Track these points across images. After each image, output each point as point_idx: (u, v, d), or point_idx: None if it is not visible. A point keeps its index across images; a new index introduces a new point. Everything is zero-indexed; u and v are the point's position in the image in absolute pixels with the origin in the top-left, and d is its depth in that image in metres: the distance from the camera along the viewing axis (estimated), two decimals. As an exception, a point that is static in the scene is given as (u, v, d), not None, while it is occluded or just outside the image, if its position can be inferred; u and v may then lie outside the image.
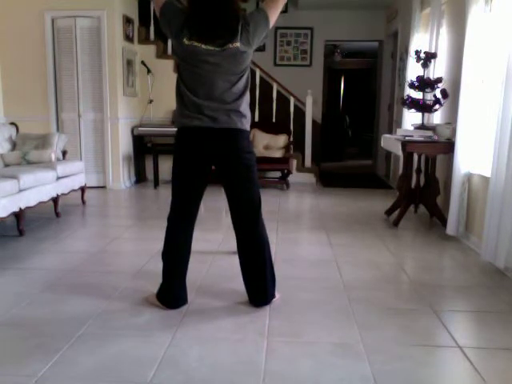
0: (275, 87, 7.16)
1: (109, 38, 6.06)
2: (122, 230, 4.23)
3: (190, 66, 2.40)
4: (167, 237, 2.58)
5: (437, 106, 4.59)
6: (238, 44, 2.33)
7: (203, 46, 2.32)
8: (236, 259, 2.67)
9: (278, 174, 6.88)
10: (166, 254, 2.58)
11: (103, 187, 6.33)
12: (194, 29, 2.32)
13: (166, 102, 6.76)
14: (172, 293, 2.58)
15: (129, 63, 6.53)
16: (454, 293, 2.88)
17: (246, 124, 2.48)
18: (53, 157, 4.81)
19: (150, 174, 6.83)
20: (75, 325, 2.33)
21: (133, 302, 2.65)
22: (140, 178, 6.88)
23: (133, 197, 6.11)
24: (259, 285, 2.60)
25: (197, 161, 2.47)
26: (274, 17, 2.43)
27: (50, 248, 3.66)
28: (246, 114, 2.47)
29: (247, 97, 2.49)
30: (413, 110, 4.83)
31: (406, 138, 4.45)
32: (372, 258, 3.50)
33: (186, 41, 2.33)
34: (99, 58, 6.11)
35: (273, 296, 2.64)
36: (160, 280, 2.61)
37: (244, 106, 2.46)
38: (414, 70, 5.22)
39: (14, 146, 5.08)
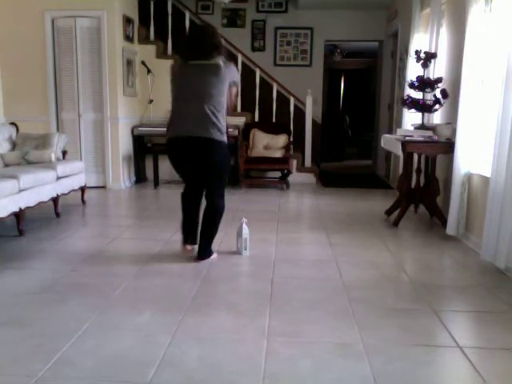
0: (275, 87, 7.16)
1: (109, 38, 6.06)
2: (121, 230, 4.23)
3: (180, 83, 3.24)
4: (182, 201, 3.45)
5: (437, 106, 4.59)
6: (217, 60, 3.12)
7: (189, 62, 3.19)
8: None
9: (278, 174, 6.87)
10: (182, 209, 3.44)
11: (103, 187, 6.32)
12: (182, 53, 3.31)
13: (165, 101, 6.66)
14: (184, 233, 3.43)
15: (129, 63, 6.52)
16: (454, 293, 2.88)
17: (221, 136, 3.16)
18: (53, 157, 4.80)
19: (149, 174, 6.83)
20: (75, 325, 2.33)
21: (133, 301, 2.65)
22: (140, 177, 6.87)
23: (133, 197, 6.11)
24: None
25: (183, 163, 3.30)
26: (233, 89, 3.33)
27: (49, 248, 3.66)
28: (221, 129, 3.15)
29: (223, 118, 3.19)
30: (413, 110, 4.83)
31: (406, 138, 4.45)
32: (372, 258, 3.50)
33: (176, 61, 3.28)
34: (99, 58, 6.11)
35: (209, 255, 3.35)
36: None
37: (220, 122, 3.14)
38: (413, 70, 5.22)
39: (13, 146, 5.08)
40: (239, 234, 3.51)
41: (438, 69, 4.86)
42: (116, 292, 2.78)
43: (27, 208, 4.08)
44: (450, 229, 4.02)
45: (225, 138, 3.22)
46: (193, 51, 3.20)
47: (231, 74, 3.22)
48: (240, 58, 7.12)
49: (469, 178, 3.96)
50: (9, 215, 3.81)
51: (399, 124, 6.21)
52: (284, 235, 4.10)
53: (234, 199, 5.63)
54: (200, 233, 3.37)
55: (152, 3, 6.81)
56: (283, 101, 7.25)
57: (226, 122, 3.26)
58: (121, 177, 6.39)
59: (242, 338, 2.25)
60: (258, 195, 6.12)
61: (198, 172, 3.29)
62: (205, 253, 3.35)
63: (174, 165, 3.35)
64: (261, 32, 8.23)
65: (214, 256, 3.40)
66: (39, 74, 6.15)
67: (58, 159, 4.98)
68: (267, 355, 2.08)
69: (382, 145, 5.36)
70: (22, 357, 2.05)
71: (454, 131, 4.12)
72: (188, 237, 3.44)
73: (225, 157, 3.28)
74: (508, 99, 3.10)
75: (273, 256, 3.51)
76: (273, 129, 7.00)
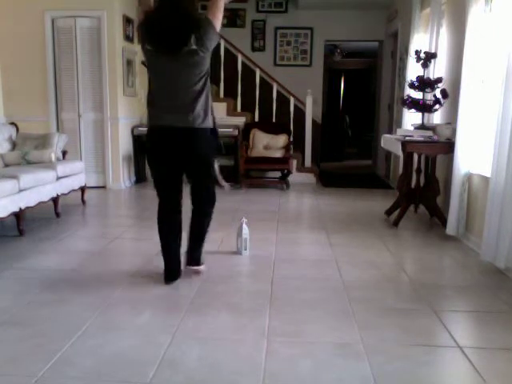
0: (275, 87, 7.16)
1: (109, 38, 6.06)
2: (121, 230, 4.23)
3: (155, 70, 2.82)
4: (158, 222, 2.95)
5: (437, 106, 4.59)
6: (194, 46, 2.68)
7: (162, 52, 2.70)
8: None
9: (278, 174, 6.87)
10: (160, 235, 2.93)
11: (103, 187, 6.32)
12: (152, 38, 2.72)
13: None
14: (166, 268, 2.92)
15: (129, 63, 6.52)
16: (454, 293, 2.88)
17: (203, 123, 2.80)
18: (53, 157, 4.80)
19: (150, 174, 6.82)
20: (75, 325, 2.33)
21: (133, 302, 2.65)
22: (140, 177, 6.87)
23: (133, 197, 6.11)
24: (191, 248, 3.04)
25: (163, 156, 2.84)
26: (217, 21, 2.80)
27: (49, 248, 3.66)
28: (201, 114, 2.79)
29: (206, 98, 2.81)
30: (413, 110, 4.83)
31: (406, 138, 4.45)
32: (372, 258, 3.50)
33: (147, 46, 2.74)
34: (99, 58, 6.11)
35: (197, 263, 3.03)
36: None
37: (201, 106, 2.78)
38: (413, 70, 5.22)
39: (13, 146, 5.08)
40: (239, 234, 3.51)
41: (438, 69, 4.86)
42: (116, 292, 2.78)
43: (27, 208, 4.08)
44: (450, 229, 4.02)
45: (209, 123, 2.82)
46: (165, 42, 2.69)
47: (210, 43, 2.76)
48: (240, 58, 7.12)
49: (469, 177, 3.96)
50: (9, 215, 3.81)
51: (399, 124, 6.21)
52: (284, 235, 4.10)
53: (234, 199, 5.63)
54: (191, 235, 3.01)
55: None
56: (283, 101, 7.26)
57: (210, 100, 2.86)
58: (121, 177, 6.39)
59: (242, 338, 2.25)
60: (258, 195, 6.11)
61: (180, 168, 2.90)
62: (197, 256, 3.04)
63: (153, 159, 2.90)
64: (261, 32, 8.24)
65: (203, 267, 3.08)
66: (39, 74, 6.15)
67: (58, 159, 4.98)
68: (267, 355, 2.08)
69: (382, 145, 5.36)
70: (22, 357, 2.05)
71: (453, 131, 4.12)
72: (176, 270, 2.94)
73: (211, 147, 2.93)
74: (508, 99, 3.10)
75: (273, 256, 3.51)
76: (273, 129, 7.00)
